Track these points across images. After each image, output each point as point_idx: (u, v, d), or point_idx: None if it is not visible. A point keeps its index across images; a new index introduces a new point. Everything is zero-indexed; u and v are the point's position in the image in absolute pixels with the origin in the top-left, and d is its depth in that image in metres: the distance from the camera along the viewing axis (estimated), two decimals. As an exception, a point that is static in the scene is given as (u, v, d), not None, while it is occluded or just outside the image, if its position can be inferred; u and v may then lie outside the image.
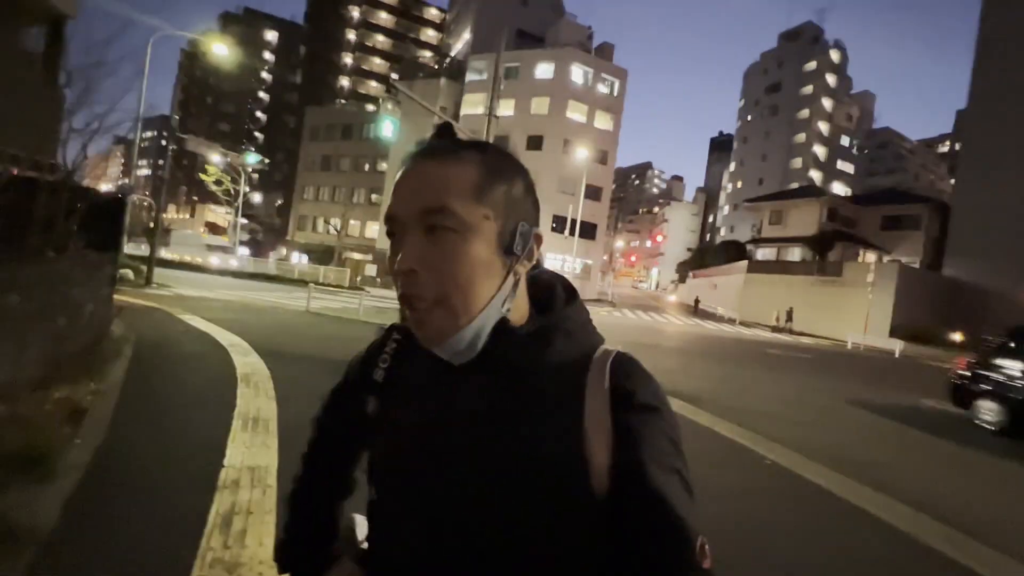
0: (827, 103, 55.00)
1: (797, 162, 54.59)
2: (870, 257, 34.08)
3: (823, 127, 55.01)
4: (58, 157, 5.86)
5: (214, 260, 29.21)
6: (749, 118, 60.40)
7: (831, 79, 55.53)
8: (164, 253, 30.62)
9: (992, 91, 31.08)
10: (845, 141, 57.42)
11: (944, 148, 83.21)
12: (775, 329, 27.64)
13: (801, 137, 54.89)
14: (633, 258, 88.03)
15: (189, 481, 2.96)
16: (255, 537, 2.41)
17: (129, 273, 15.06)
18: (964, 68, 34.02)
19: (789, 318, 27.62)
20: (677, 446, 0.54)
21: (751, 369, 11.60)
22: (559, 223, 33.72)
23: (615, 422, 0.53)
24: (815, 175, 53.51)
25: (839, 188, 53.51)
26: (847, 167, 57.52)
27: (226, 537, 2.39)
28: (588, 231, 35.70)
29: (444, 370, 0.58)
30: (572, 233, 30.46)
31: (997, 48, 31.35)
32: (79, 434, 3.28)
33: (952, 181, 38.77)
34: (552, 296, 0.62)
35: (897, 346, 22.10)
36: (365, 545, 0.71)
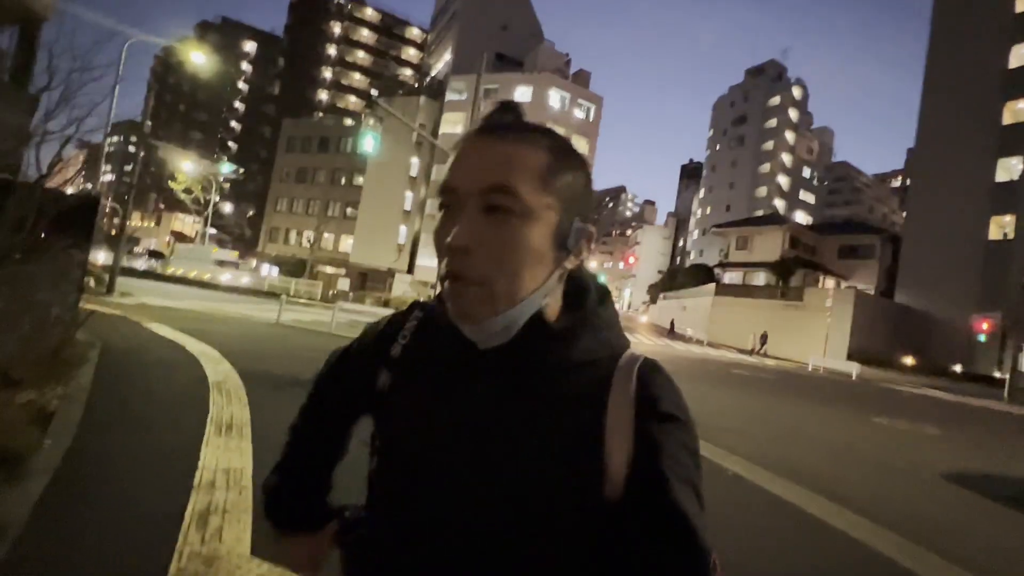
0: (790, 136, 57.99)
1: (762, 191, 57.07)
2: (829, 283, 35.77)
3: (786, 159, 57.84)
4: (27, 159, 5.77)
5: (224, 277, 27.09)
6: (718, 147, 63.01)
7: (793, 114, 58.66)
8: (170, 269, 28.43)
9: (938, 131, 33.51)
10: (807, 173, 60.46)
11: (896, 183, 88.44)
12: (751, 352, 28.50)
13: (766, 167, 57.53)
14: (623, 265, 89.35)
15: (162, 484, 2.96)
16: (232, 534, 2.45)
17: (90, 281, 14.53)
18: (915, 109, 36.49)
19: (764, 342, 28.80)
20: (696, 458, 0.53)
21: (718, 389, 11.99)
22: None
23: (637, 429, 0.52)
24: (779, 203, 56.01)
25: (801, 217, 56.09)
26: (808, 197, 60.45)
27: (203, 533, 2.42)
28: (563, 251, 36.24)
29: (467, 353, 0.56)
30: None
31: (942, 92, 33.94)
32: (47, 436, 3.23)
33: (904, 214, 41.25)
34: (585, 294, 0.60)
35: (854, 368, 23.10)
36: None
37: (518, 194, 0.51)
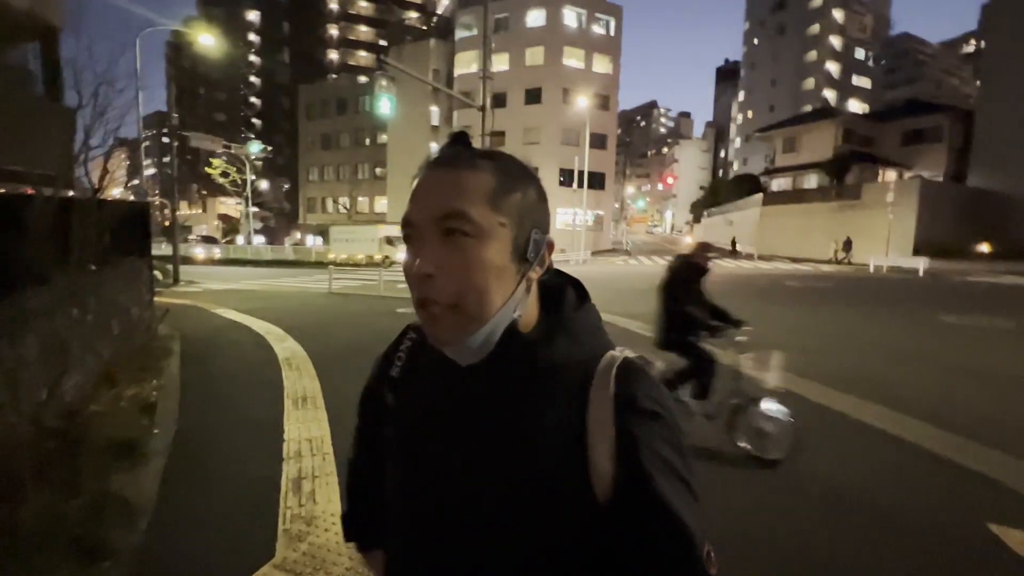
0: (838, 15, 51.73)
1: (809, 83, 52.07)
2: (890, 176, 32.99)
3: (835, 42, 51.98)
4: (75, 173, 6.14)
5: (401, 256, 25.70)
6: (756, 42, 57.34)
7: (842, -13, 52.02)
8: (331, 255, 24.96)
9: (1019, -21, 28.87)
10: (860, 54, 54.28)
11: (969, 48, 77.96)
12: (834, 261, 26.27)
13: (812, 55, 52.08)
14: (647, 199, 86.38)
15: (258, 455, 3.36)
16: (324, 496, 2.79)
17: (158, 274, 15.66)
18: (987, -43, 31.36)
19: (848, 248, 25.80)
20: (681, 452, 0.54)
21: (774, 304, 11.71)
22: (566, 176, 33.23)
23: (618, 428, 0.53)
24: (829, 95, 51.07)
25: (855, 106, 51.11)
26: (863, 82, 54.66)
27: (299, 498, 2.77)
28: (596, 181, 35.16)
29: (452, 369, 0.60)
30: (580, 185, 30.06)
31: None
32: (155, 424, 3.70)
33: (977, 83, 36.57)
34: (561, 298, 0.62)
35: (921, 263, 21.73)
36: None
37: (470, 217, 0.53)
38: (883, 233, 24.63)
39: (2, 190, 6.78)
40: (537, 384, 0.57)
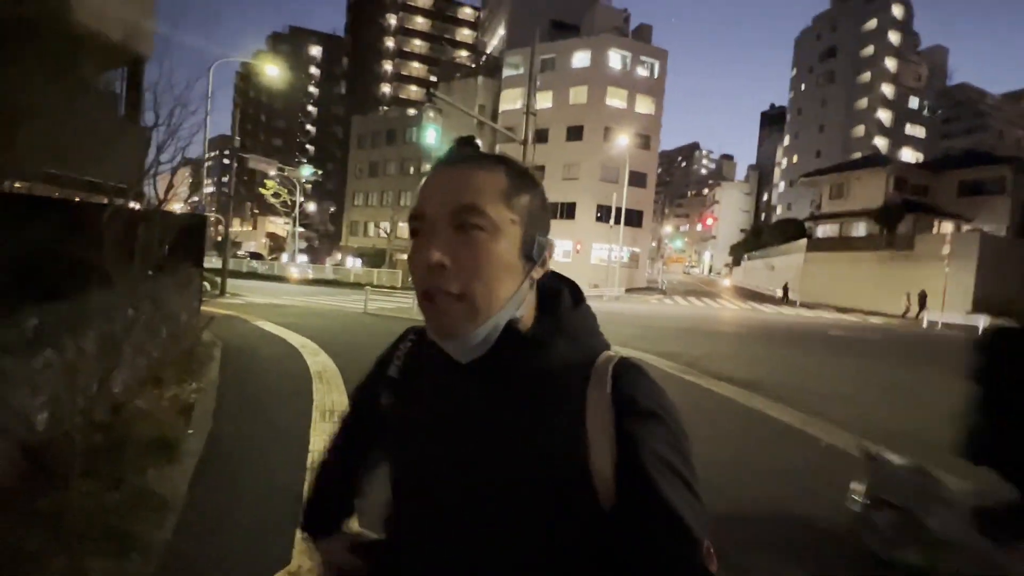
0: (891, 63, 50.99)
1: (859, 130, 51.06)
2: (947, 227, 31.50)
3: (887, 90, 51.06)
4: (144, 186, 6.66)
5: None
6: (803, 87, 57.05)
7: (894, 37, 51.38)
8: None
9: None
10: (914, 103, 53.01)
11: (1033, 100, 74.89)
12: (904, 316, 23.82)
13: (862, 103, 51.25)
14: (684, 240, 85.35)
15: (283, 462, 3.43)
16: (343, 508, 2.81)
17: (207, 285, 16.50)
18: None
19: (923, 304, 22.99)
20: (682, 452, 0.54)
21: (814, 354, 11.21)
22: (603, 212, 33.35)
23: (618, 429, 0.54)
24: (880, 142, 49.85)
25: (908, 155, 49.57)
26: (917, 131, 53.14)
27: (320, 508, 2.80)
28: (634, 218, 35.12)
29: (451, 369, 0.60)
30: (618, 222, 30.10)
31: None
32: (190, 425, 3.85)
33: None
34: (558, 299, 0.63)
35: (981, 321, 20.39)
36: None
37: (485, 212, 0.55)
38: (937, 287, 23.37)
39: (79, 199, 7.40)
40: (536, 384, 0.58)
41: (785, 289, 31.07)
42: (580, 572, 0.53)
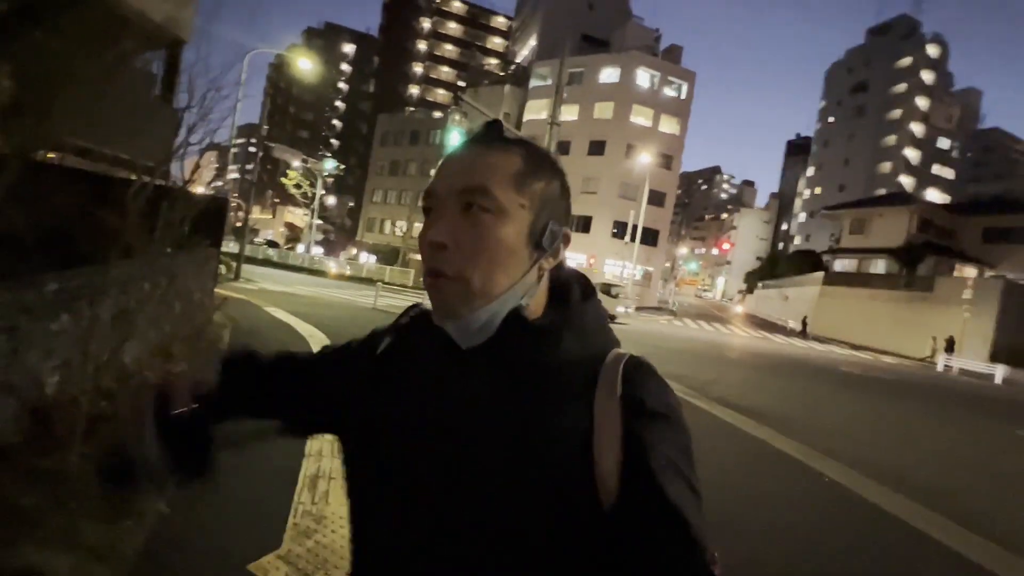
0: (922, 102, 50.53)
1: (885, 167, 50.56)
2: (969, 272, 30.92)
3: (917, 129, 50.54)
4: (172, 167, 6.80)
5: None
6: (831, 120, 56.72)
7: (927, 76, 50.96)
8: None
9: None
10: (944, 144, 52.39)
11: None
12: (930, 359, 22.98)
13: (891, 140, 50.79)
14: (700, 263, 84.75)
15: (283, 449, 3.43)
16: (337, 498, 2.81)
17: (222, 268, 16.74)
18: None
19: (950, 348, 21.95)
20: (688, 455, 0.53)
21: (822, 387, 11.00)
22: (620, 229, 33.30)
23: (625, 429, 0.52)
24: (906, 181, 49.27)
25: (934, 195, 48.88)
26: (945, 172, 52.48)
27: (313, 495, 2.81)
28: (650, 237, 35.00)
29: (451, 353, 0.58)
30: (633, 239, 29.98)
31: None
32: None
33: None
34: (568, 292, 0.61)
35: (1000, 371, 19.89)
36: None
37: (492, 194, 0.54)
38: (955, 331, 22.89)
39: (107, 174, 7.58)
40: (541, 377, 0.55)
41: (804, 322, 29.97)
42: (581, 573, 0.52)
